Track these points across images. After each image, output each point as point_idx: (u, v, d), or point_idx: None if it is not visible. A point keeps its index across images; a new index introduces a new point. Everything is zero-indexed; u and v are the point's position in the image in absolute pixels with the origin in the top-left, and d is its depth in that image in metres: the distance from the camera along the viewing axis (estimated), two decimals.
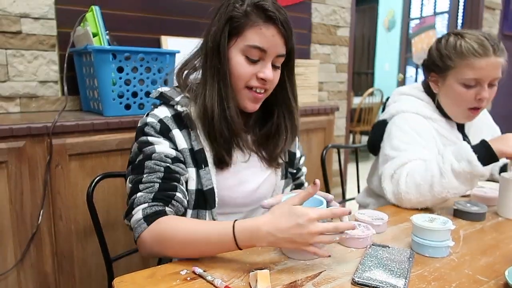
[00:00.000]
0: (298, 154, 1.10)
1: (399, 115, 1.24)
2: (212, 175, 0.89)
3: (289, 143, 0.98)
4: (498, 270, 0.75)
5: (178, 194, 0.83)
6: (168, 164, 0.83)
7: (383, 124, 1.29)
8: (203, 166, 0.88)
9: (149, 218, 0.78)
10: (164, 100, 0.91)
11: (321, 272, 0.74)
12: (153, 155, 0.83)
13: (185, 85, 0.92)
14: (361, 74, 7.22)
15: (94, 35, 1.45)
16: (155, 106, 0.94)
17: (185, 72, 0.93)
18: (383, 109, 1.40)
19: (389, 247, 0.82)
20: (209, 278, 0.70)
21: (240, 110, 0.91)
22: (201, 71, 0.91)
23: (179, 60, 0.99)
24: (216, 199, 0.90)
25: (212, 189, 0.89)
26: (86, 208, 1.06)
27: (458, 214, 1.03)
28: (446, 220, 0.83)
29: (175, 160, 0.85)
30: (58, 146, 1.25)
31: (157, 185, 0.81)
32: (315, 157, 1.98)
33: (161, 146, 0.85)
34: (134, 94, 1.45)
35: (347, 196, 1.79)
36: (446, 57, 1.17)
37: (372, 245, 0.83)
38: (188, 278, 0.71)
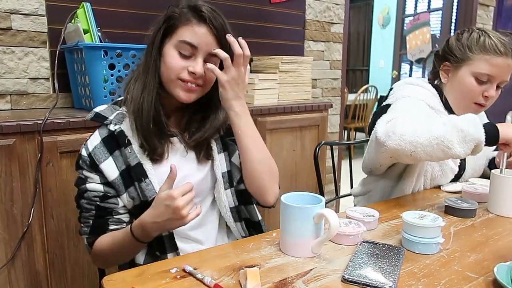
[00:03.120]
0: None
1: (404, 98, 1.24)
2: (155, 185, 0.91)
3: (214, 131, 0.99)
4: (487, 267, 0.75)
5: (112, 227, 0.92)
6: (97, 203, 0.91)
7: (387, 107, 1.26)
8: (143, 179, 0.91)
9: (90, 246, 0.94)
10: (99, 120, 0.94)
11: (311, 270, 0.74)
12: (85, 194, 0.91)
13: (124, 100, 0.95)
14: (356, 71, 7.23)
15: (86, 31, 1.44)
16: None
17: (130, 80, 0.95)
18: (379, 103, 1.40)
19: (379, 244, 0.82)
20: (199, 276, 0.69)
21: (175, 109, 0.96)
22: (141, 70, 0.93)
23: None
24: None
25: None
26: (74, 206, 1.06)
27: (449, 210, 1.04)
28: (437, 217, 0.84)
29: (104, 197, 0.91)
30: (49, 144, 1.24)
31: (91, 221, 0.92)
32: (308, 154, 1.98)
33: (92, 184, 0.91)
34: None
35: (341, 193, 1.79)
36: (467, 47, 1.20)
37: (363, 242, 0.83)
38: (178, 276, 0.71)
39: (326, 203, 0.83)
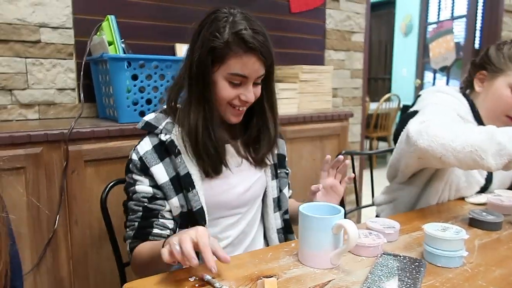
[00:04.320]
0: (286, 158, 1.16)
1: (433, 105, 1.21)
2: (201, 196, 0.94)
3: (269, 146, 1.04)
4: None
5: (155, 230, 0.93)
6: (145, 204, 0.93)
7: (414, 114, 1.22)
8: (190, 189, 0.93)
9: (131, 252, 0.94)
10: (149, 129, 0.97)
11: (330, 281, 0.73)
12: (133, 196, 0.94)
13: (173, 106, 0.98)
14: (378, 80, 7.15)
15: (110, 43, 1.48)
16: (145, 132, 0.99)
17: (174, 91, 0.98)
18: (402, 112, 1.38)
19: (400, 256, 0.81)
20: (217, 285, 0.70)
21: (223, 120, 0.98)
22: (187, 90, 0.96)
23: None
24: (206, 217, 0.95)
25: (201, 209, 0.94)
26: (101, 214, 1.08)
27: (473, 223, 1.01)
28: (460, 229, 0.82)
29: (152, 199, 0.93)
30: (74, 153, 1.27)
31: (136, 223, 0.93)
32: None
33: (141, 186, 0.94)
34: (148, 101, 1.48)
35: (362, 204, 1.77)
36: (508, 58, 1.20)
37: (383, 254, 0.82)
38: (197, 285, 0.71)
39: (346, 213, 0.82)
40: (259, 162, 1.04)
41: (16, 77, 1.51)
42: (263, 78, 0.96)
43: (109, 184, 1.13)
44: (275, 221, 1.07)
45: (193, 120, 0.92)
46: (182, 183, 0.93)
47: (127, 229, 0.95)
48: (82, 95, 1.57)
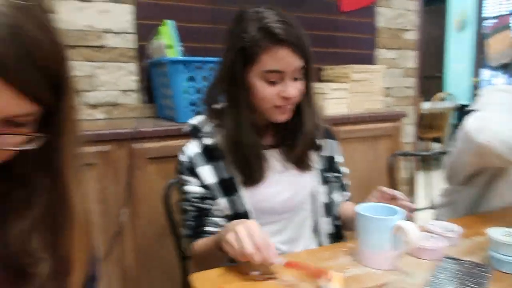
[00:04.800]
0: (339, 159, 1.11)
1: (494, 105, 1.15)
2: (245, 199, 0.94)
3: (307, 146, 0.98)
4: None
5: (209, 228, 0.94)
6: (196, 204, 0.94)
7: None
8: (234, 193, 0.94)
9: (191, 249, 0.96)
10: (194, 132, 0.99)
11: (389, 282, 0.74)
12: (186, 197, 0.96)
13: (212, 108, 0.98)
14: (430, 78, 6.87)
15: (168, 47, 1.56)
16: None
17: (212, 94, 0.98)
18: (460, 111, 1.33)
19: (463, 261, 0.80)
20: (283, 278, 0.73)
21: (265, 127, 0.97)
22: (224, 94, 0.95)
23: None
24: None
25: (246, 212, 0.94)
26: (163, 209, 1.15)
27: None
28: None
29: (202, 198, 0.94)
30: (138, 151, 1.36)
31: (192, 223, 0.95)
32: (381, 164, 1.94)
33: (190, 186, 0.95)
34: None
35: (416, 206, 1.73)
36: None
37: (445, 258, 0.81)
38: (259, 279, 0.75)
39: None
40: (299, 164, 1.00)
41: (84, 79, 1.63)
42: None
43: (170, 181, 1.19)
44: (327, 226, 1.03)
45: (230, 126, 0.91)
46: (226, 187, 0.94)
47: (184, 229, 0.98)
48: (144, 97, 1.66)
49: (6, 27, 0.44)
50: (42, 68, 0.47)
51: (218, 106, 0.97)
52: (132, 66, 1.72)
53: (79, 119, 0.58)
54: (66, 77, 0.52)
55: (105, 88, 1.68)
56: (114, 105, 1.70)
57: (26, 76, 0.45)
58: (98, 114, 1.67)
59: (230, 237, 0.74)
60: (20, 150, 0.51)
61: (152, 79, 1.71)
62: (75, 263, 0.60)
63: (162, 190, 1.17)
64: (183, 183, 0.96)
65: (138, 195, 1.38)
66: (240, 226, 0.73)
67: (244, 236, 0.72)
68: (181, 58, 1.52)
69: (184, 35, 1.73)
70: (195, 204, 0.94)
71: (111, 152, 1.33)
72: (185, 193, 0.96)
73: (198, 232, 0.94)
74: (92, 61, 1.65)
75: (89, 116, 1.65)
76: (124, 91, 1.71)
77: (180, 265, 1.16)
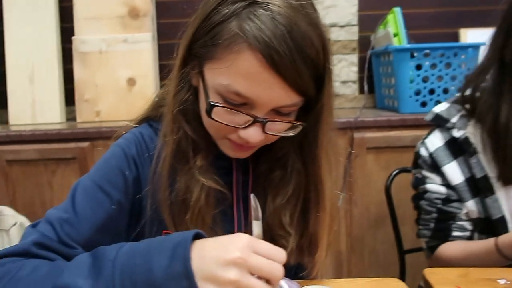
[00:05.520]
0: None
1: None
2: (502, 202, 0.81)
3: None
4: None
5: (455, 233, 0.85)
6: (439, 206, 0.86)
7: None
8: (488, 195, 0.81)
9: (430, 250, 0.89)
10: (439, 122, 0.87)
11: None
12: (425, 195, 0.88)
13: (471, 96, 0.84)
14: None
15: (394, 35, 1.52)
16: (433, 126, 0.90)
17: (477, 79, 0.84)
18: None
19: None
20: None
21: None
22: (495, 79, 0.80)
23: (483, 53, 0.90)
24: (509, 227, 0.81)
25: (503, 217, 0.81)
26: (379, 198, 1.14)
27: None
28: None
29: (446, 201, 0.85)
30: (358, 140, 1.39)
31: (432, 224, 0.88)
32: None
33: (433, 185, 0.87)
34: (431, 91, 1.44)
35: None
36: None
37: None
38: None
39: None
40: None
41: None
42: None
43: (393, 172, 1.17)
44: None
45: (504, 118, 0.77)
46: (479, 187, 0.83)
47: (421, 227, 0.91)
48: (366, 87, 1.67)
49: (283, 26, 0.49)
50: (311, 62, 0.52)
51: (475, 93, 0.84)
52: (353, 57, 1.76)
53: (333, 108, 0.61)
54: (329, 69, 0.56)
55: None
56: (335, 95, 1.78)
57: (297, 70, 0.50)
58: None
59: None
60: (282, 136, 0.58)
61: (373, 69, 1.71)
62: (320, 244, 0.65)
63: (380, 180, 1.16)
64: (423, 179, 0.88)
65: (356, 183, 1.41)
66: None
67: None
68: (408, 46, 1.46)
69: (408, 22, 1.65)
70: (438, 206, 0.86)
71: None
72: (425, 191, 0.88)
73: (441, 235, 0.87)
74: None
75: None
76: (344, 82, 1.77)
77: (399, 258, 1.13)
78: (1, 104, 1.67)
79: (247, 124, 0.53)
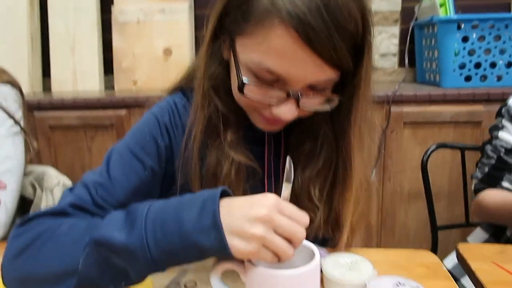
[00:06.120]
0: None
1: None
2: None
3: None
4: None
5: (506, 184, 0.87)
6: (501, 155, 0.88)
7: None
8: None
9: (475, 192, 0.93)
10: None
11: None
12: (493, 141, 0.91)
13: None
14: None
15: (441, 5, 1.43)
16: None
17: None
18: None
19: None
20: None
21: None
22: None
23: None
24: None
25: None
26: (413, 175, 1.11)
27: None
28: None
29: (509, 151, 0.88)
30: (395, 114, 1.34)
31: (487, 168, 0.91)
32: None
33: (504, 134, 0.89)
34: (477, 65, 1.36)
35: None
36: None
37: None
38: None
39: None
40: None
41: None
42: None
43: (430, 147, 1.13)
44: None
45: None
46: None
47: (477, 169, 0.94)
48: (406, 60, 1.61)
49: None
50: (349, 36, 0.48)
51: None
52: (395, 29, 1.68)
53: (371, 82, 0.58)
54: (368, 41, 0.52)
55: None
56: (373, 69, 1.72)
57: (334, 46, 0.47)
58: None
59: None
60: (317, 111, 0.56)
61: (414, 42, 1.63)
62: (345, 221, 0.63)
63: (415, 157, 1.13)
64: (499, 126, 0.92)
65: (390, 158, 1.37)
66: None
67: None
68: (454, 16, 1.38)
69: None
70: (500, 155, 0.89)
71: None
72: (496, 137, 0.91)
73: (491, 181, 0.90)
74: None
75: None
76: (384, 55, 1.70)
77: (431, 234, 1.10)
78: (45, 72, 1.73)
79: (280, 101, 0.52)
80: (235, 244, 0.40)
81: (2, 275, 0.48)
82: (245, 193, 0.61)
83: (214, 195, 0.43)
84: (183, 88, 0.65)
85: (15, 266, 0.47)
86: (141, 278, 0.45)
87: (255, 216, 0.40)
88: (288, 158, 0.48)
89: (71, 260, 0.44)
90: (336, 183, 0.63)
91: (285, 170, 0.47)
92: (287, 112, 0.52)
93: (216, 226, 0.40)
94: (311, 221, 0.57)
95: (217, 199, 0.42)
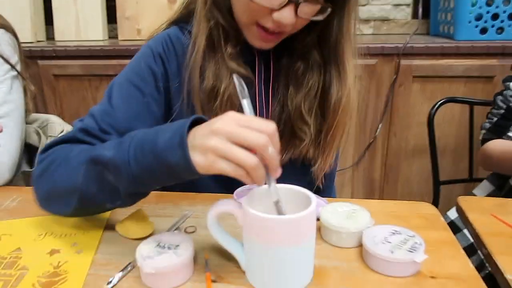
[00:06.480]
0: None
1: None
2: None
3: None
4: None
5: (511, 133, 0.88)
6: (510, 105, 0.89)
7: None
8: None
9: (482, 142, 0.94)
10: None
11: None
12: (504, 91, 0.91)
13: None
14: None
15: None
16: None
17: None
18: None
19: None
20: None
21: None
22: None
23: None
24: None
25: None
26: (419, 130, 1.10)
27: None
28: None
29: None
30: (404, 67, 1.30)
31: (495, 119, 0.92)
32: None
33: None
34: (495, 16, 1.29)
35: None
36: None
37: None
38: None
39: None
40: None
41: None
42: None
43: (439, 101, 1.11)
44: None
45: None
46: None
47: (486, 120, 0.95)
48: (420, 10, 1.54)
49: None
50: None
51: None
52: None
53: None
54: None
55: (378, 2, 1.64)
56: (384, 20, 1.65)
57: None
58: (367, 29, 1.67)
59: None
60: (311, 21, 0.59)
61: None
62: (333, 141, 0.68)
63: (423, 112, 1.11)
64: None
65: (397, 113, 1.35)
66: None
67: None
68: None
69: None
70: (510, 105, 0.90)
71: (377, 66, 1.32)
72: (507, 88, 0.92)
73: (499, 130, 0.91)
74: None
75: (357, 31, 1.67)
76: (397, 5, 1.63)
77: (433, 188, 1.11)
78: (47, 20, 1.69)
79: (282, 5, 0.55)
80: (196, 159, 0.42)
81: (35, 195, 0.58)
82: (240, 110, 0.63)
83: (187, 121, 0.45)
84: (179, 21, 0.69)
85: (39, 185, 0.57)
86: (128, 197, 0.49)
87: (210, 130, 0.42)
88: (235, 76, 0.49)
89: (76, 178, 0.51)
90: (324, 105, 0.67)
91: (237, 88, 0.48)
92: (287, 17, 0.55)
93: (182, 144, 0.43)
94: (302, 140, 0.67)
95: (188, 123, 0.45)
